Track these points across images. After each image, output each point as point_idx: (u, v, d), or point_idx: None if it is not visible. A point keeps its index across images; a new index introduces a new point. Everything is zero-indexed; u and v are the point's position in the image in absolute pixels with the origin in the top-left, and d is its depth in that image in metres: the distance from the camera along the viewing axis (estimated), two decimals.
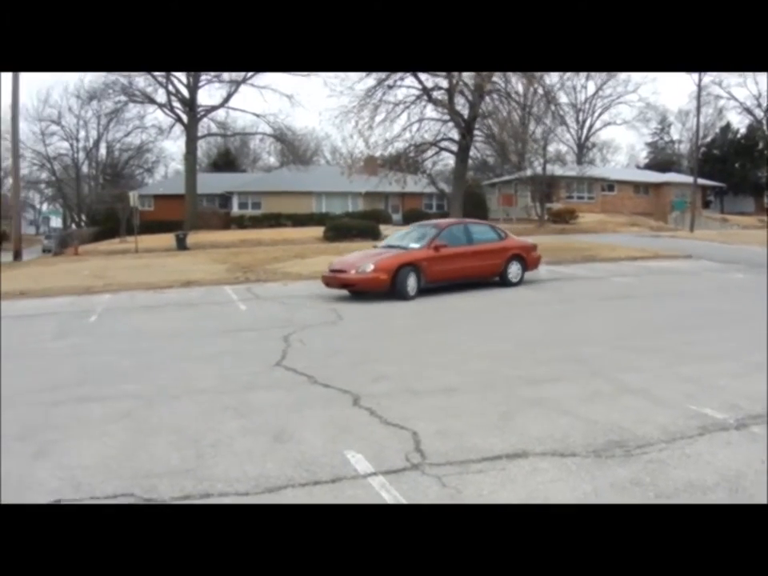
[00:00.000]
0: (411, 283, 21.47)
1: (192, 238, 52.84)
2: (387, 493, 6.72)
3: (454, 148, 40.51)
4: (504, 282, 23.70)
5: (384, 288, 21.21)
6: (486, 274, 23.73)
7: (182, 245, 49.50)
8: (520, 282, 23.93)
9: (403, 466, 7.44)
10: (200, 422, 9.35)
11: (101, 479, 7.36)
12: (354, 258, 22.91)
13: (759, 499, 6.38)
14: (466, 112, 38.63)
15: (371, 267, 21.27)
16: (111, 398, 10.63)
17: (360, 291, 21.86)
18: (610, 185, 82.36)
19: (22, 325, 18.98)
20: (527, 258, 24.42)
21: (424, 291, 21.85)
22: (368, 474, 7.23)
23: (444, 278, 22.63)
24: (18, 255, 50.55)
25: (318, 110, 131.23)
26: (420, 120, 40.04)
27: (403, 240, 23.86)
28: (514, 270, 23.93)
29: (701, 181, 73.20)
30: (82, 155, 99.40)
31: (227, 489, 7.03)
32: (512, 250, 24.14)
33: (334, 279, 22.07)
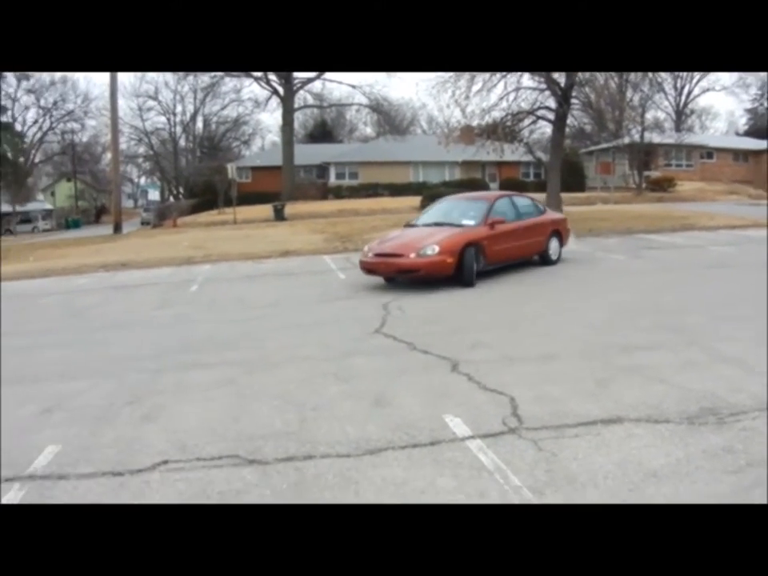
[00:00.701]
0: (474, 266, 17.95)
1: (289, 208, 53.25)
2: (485, 455, 6.86)
3: (551, 116, 40.13)
4: (545, 261, 21.07)
5: (449, 273, 17.49)
6: (531, 253, 20.95)
7: (279, 215, 49.91)
8: (558, 260, 21.48)
9: (500, 429, 7.55)
10: (301, 387, 9.56)
11: (206, 441, 7.61)
12: (406, 239, 18.66)
13: None
14: (562, 80, 38.26)
15: (436, 249, 17.34)
16: (214, 365, 10.93)
17: (422, 279, 17.85)
18: (708, 152, 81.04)
19: (125, 295, 19.43)
20: (563, 233, 22.20)
21: (482, 274, 18.53)
22: (466, 438, 7.37)
23: (501, 259, 19.36)
24: (118, 228, 51.66)
25: (414, 81, 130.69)
26: (517, 89, 39.69)
27: (449, 215, 20.06)
28: (554, 246, 21.40)
29: None
30: (179, 129, 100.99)
31: (329, 451, 7.22)
32: (552, 225, 21.73)
33: (382, 265, 18.07)
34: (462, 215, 19.74)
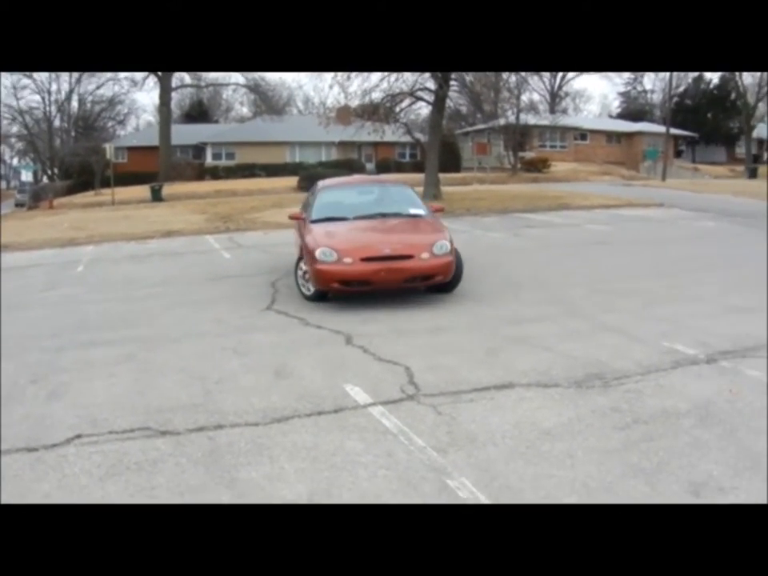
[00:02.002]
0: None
1: (167, 189, 52.80)
2: (388, 420, 7.34)
3: (430, 98, 40.58)
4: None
5: (449, 278, 13.57)
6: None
7: (157, 196, 49.52)
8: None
9: (399, 396, 8.04)
10: (202, 361, 9.83)
11: (116, 415, 7.83)
12: (390, 235, 14.24)
13: (727, 423, 7.01)
14: None
15: (448, 246, 13.36)
16: (114, 342, 11.06)
17: (434, 287, 13.64)
18: (582, 134, 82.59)
19: (13, 277, 19.22)
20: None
21: None
22: (368, 405, 7.80)
23: None
24: None
25: None
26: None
27: (382, 203, 15.61)
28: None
29: (673, 130, 73.46)
30: (54, 108, 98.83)
31: (238, 420, 7.54)
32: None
33: (382, 273, 12.82)
34: (399, 203, 15.69)
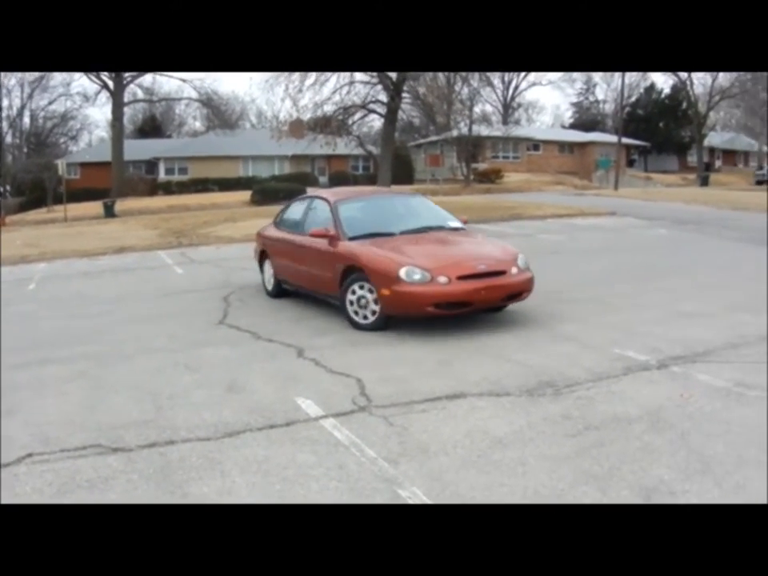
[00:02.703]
0: None
1: (120, 205, 52.57)
2: (339, 432, 7.34)
3: (382, 110, 40.78)
4: None
5: None
6: None
7: (110, 212, 49.27)
8: None
9: (351, 408, 8.07)
10: (155, 377, 9.81)
11: (68, 433, 7.78)
12: (485, 249, 12.74)
13: (678, 428, 7.11)
14: (394, 74, 38.80)
15: (526, 260, 12.62)
16: (67, 360, 10.99)
17: (503, 305, 12.58)
18: (535, 144, 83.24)
19: None
20: None
21: None
22: (319, 417, 7.81)
23: None
24: None
25: (247, 75, 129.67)
26: (350, 83, 40.16)
27: (418, 217, 14.29)
28: None
29: (625, 140, 74.16)
30: (5, 124, 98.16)
31: (189, 435, 7.53)
32: None
33: (483, 292, 11.46)
34: (431, 215, 14.53)
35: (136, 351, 11.31)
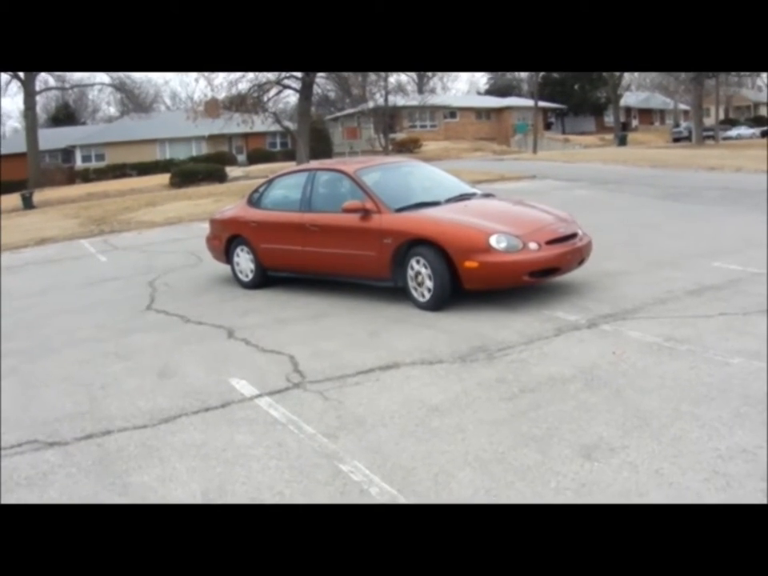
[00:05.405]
0: None
1: (38, 195, 51.78)
2: (275, 410, 7.37)
3: (297, 85, 40.64)
4: None
5: None
6: None
7: (28, 204, 48.54)
8: None
9: (285, 386, 8.06)
10: (85, 368, 9.72)
11: (2, 431, 7.68)
12: (527, 216, 12.00)
13: (612, 386, 7.21)
14: None
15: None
16: None
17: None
18: (452, 112, 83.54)
19: None
20: None
21: None
22: (254, 396, 7.80)
23: None
24: None
25: None
26: None
27: (439, 185, 13.40)
28: None
29: (541, 103, 74.82)
30: None
31: (126, 425, 7.48)
32: None
33: (569, 255, 11.10)
34: (452, 182, 13.74)
35: (64, 344, 11.19)
